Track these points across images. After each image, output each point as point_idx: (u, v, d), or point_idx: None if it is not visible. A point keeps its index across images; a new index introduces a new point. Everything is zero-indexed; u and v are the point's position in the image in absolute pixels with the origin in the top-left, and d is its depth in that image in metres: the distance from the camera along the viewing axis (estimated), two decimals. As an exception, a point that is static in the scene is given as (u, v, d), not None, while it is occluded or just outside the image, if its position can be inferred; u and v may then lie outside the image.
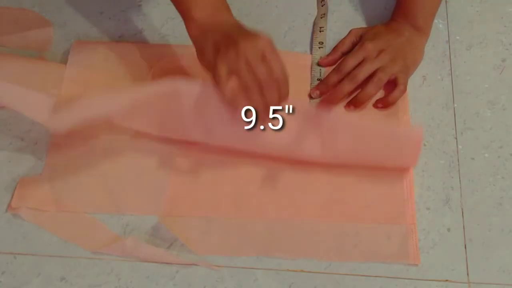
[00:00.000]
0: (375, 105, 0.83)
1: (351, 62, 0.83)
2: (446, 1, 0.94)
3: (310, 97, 0.84)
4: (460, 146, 0.81)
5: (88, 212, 0.77)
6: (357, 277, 0.73)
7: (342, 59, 0.85)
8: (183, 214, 0.76)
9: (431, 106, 0.84)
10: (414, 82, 0.86)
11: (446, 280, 0.72)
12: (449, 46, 0.90)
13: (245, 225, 0.76)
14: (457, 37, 0.90)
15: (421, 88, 0.86)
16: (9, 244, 0.75)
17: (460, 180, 0.79)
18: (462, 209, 0.77)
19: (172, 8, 0.94)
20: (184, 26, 0.92)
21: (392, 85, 0.83)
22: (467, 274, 0.73)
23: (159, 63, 0.86)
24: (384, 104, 0.83)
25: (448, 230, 0.76)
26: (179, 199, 0.77)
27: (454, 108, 0.84)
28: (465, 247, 0.75)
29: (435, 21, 0.91)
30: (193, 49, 0.87)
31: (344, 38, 0.88)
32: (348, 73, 0.83)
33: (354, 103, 0.83)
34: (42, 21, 0.89)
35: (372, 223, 0.75)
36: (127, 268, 0.74)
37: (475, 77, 0.87)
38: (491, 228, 0.76)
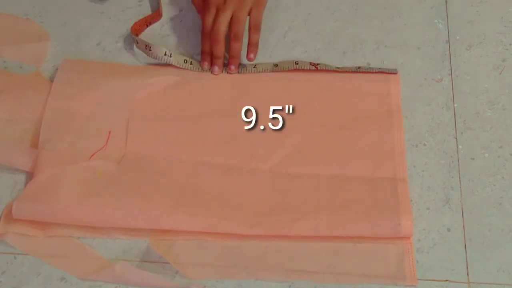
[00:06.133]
0: (249, 58, 0.85)
1: (209, 21, 0.84)
2: (446, 1, 0.93)
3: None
4: (460, 146, 0.81)
5: (76, 237, 0.75)
6: (357, 277, 0.73)
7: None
8: (174, 235, 0.74)
9: (431, 106, 0.84)
10: (413, 82, 0.86)
11: (446, 280, 0.72)
12: (449, 46, 0.89)
13: (237, 247, 0.74)
14: (457, 37, 0.90)
15: (421, 88, 0.86)
16: (9, 244, 0.74)
17: (460, 180, 0.79)
18: (462, 209, 0.77)
19: (172, 8, 0.94)
20: (183, 27, 0.92)
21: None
22: (467, 274, 0.73)
23: (146, 86, 0.84)
24: (252, 51, 0.85)
25: (448, 230, 0.76)
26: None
27: (454, 108, 0.84)
28: (465, 247, 0.74)
29: (435, 21, 0.91)
30: (181, 71, 0.86)
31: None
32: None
33: (232, 62, 0.85)
34: (41, 34, 0.89)
35: (367, 241, 0.73)
36: (127, 268, 0.73)
37: (475, 77, 0.87)
38: (491, 228, 0.76)
